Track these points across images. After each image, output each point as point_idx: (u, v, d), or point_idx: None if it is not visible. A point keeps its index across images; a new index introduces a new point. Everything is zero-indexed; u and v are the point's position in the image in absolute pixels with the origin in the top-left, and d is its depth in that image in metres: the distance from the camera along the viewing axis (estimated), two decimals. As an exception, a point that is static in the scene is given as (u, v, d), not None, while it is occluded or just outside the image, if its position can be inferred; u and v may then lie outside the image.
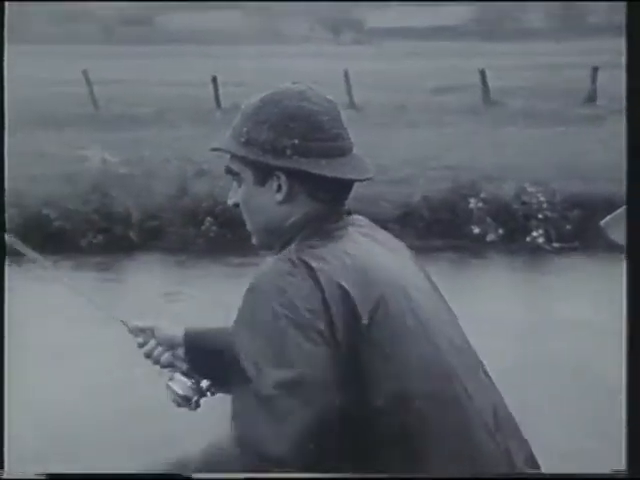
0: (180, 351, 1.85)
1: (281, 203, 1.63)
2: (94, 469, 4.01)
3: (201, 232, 8.92)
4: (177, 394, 1.82)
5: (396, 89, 18.41)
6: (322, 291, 1.49)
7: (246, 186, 1.66)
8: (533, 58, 24.89)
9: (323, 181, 1.62)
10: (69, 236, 9.06)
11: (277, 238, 1.66)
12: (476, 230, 8.93)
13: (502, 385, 1.70)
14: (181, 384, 1.82)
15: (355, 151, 1.68)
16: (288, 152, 1.61)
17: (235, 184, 1.69)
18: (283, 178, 1.62)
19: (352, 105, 16.19)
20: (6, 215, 1.34)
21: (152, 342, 1.87)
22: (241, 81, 16.09)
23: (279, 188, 1.63)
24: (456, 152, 10.94)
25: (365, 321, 1.50)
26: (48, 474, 1.34)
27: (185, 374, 1.83)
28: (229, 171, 1.69)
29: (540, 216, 8.86)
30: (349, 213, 1.71)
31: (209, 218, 9.03)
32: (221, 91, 16.07)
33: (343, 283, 1.51)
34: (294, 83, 1.68)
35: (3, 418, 1.35)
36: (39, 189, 9.63)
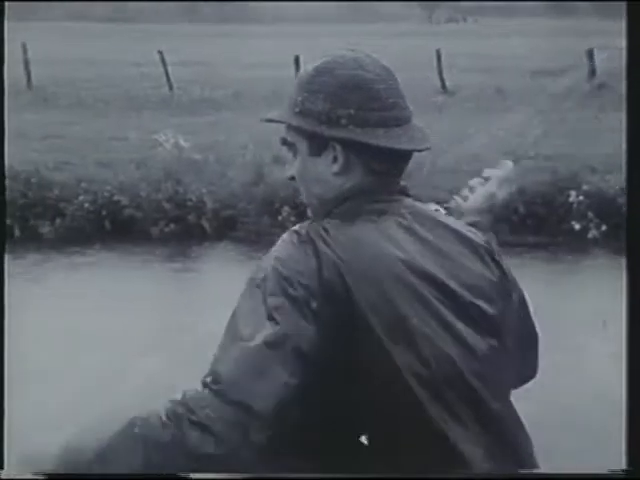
0: None
1: (337, 174, 1.68)
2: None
3: (277, 222, 8.92)
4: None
5: (493, 71, 18.19)
6: (320, 271, 1.55)
7: (302, 157, 1.70)
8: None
9: (379, 152, 1.66)
10: (140, 224, 9.20)
11: (331, 209, 1.70)
12: (577, 226, 8.79)
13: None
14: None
15: (414, 122, 1.71)
16: (343, 122, 1.65)
17: (291, 156, 1.73)
18: (339, 149, 1.66)
19: (444, 88, 16.07)
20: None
21: None
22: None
23: (335, 159, 1.67)
24: (556, 140, 10.75)
25: (360, 312, 1.56)
26: (48, 474, 1.34)
27: None
28: (284, 142, 1.73)
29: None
30: (404, 193, 1.73)
31: (286, 208, 9.04)
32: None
33: (340, 265, 1.57)
34: (350, 50, 1.71)
35: (3, 418, 1.35)
36: (111, 175, 9.79)
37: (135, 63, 20.24)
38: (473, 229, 1.80)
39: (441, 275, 1.66)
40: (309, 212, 1.76)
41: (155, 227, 9.17)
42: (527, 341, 1.86)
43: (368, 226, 1.65)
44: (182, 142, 10.56)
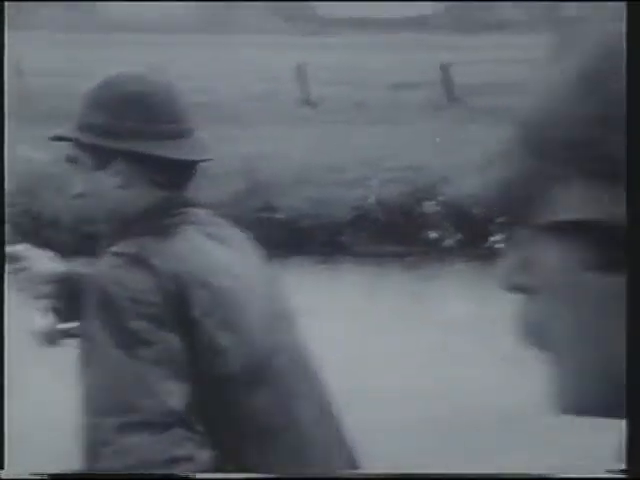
0: (54, 288, 1.94)
1: (122, 187, 1.74)
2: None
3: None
4: (37, 331, 1.92)
5: (355, 84, 18.55)
6: (160, 286, 1.64)
7: (86, 173, 1.76)
8: (507, 52, 25.05)
9: (160, 163, 1.73)
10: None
11: (118, 226, 1.77)
12: (433, 235, 9.15)
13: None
14: (44, 322, 1.93)
15: (197, 134, 1.79)
16: (124, 135, 1.71)
17: (76, 173, 1.79)
18: (122, 162, 1.73)
19: (307, 101, 16.26)
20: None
21: (28, 271, 1.93)
22: (189, 74, 16.11)
23: (118, 172, 1.74)
24: (415, 152, 11.12)
25: (195, 314, 1.66)
26: (47, 474, 1.43)
27: (54, 311, 1.93)
28: (68, 159, 1.79)
29: (500, 220, 9.04)
30: (192, 205, 1.80)
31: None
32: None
33: (178, 279, 1.65)
34: (133, 68, 1.82)
35: (3, 417, 1.49)
36: None
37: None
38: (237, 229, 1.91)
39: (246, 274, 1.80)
40: (99, 230, 1.85)
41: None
42: None
43: (179, 238, 1.72)
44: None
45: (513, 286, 0.67)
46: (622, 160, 0.60)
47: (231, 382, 1.70)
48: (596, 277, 0.63)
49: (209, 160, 1.80)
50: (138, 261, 1.66)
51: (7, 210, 1.73)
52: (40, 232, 9.27)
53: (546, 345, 0.66)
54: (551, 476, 1.75)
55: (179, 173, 1.78)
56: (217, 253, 1.76)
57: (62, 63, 22.64)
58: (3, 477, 1.63)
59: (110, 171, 1.74)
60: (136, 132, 1.72)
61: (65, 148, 1.80)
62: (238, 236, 1.87)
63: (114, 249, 1.70)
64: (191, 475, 1.57)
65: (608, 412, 0.66)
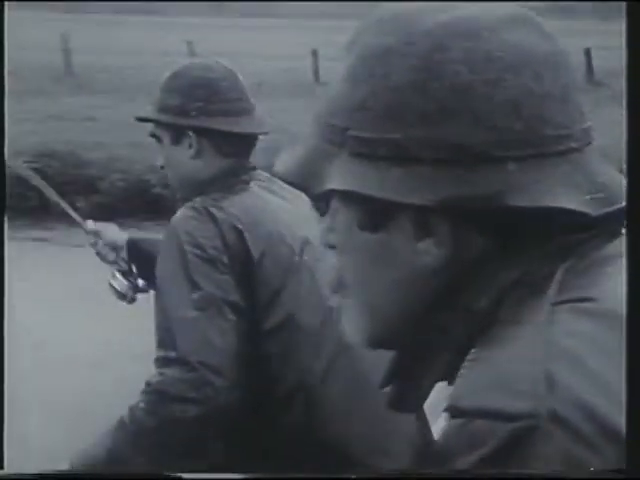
0: (123, 253, 2.16)
1: (193, 158, 1.90)
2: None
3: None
4: (115, 290, 2.17)
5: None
6: (221, 232, 1.75)
7: (165, 147, 1.93)
8: None
9: (226, 136, 1.90)
10: (166, 202, 9.19)
11: (192, 191, 1.90)
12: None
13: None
14: (119, 282, 2.16)
15: (256, 111, 1.95)
16: (194, 114, 1.88)
17: (159, 147, 1.95)
18: (193, 136, 1.89)
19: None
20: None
21: (100, 242, 2.17)
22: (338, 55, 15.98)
23: (190, 145, 1.90)
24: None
25: (256, 257, 1.75)
26: (48, 474, 1.33)
27: (124, 273, 2.16)
28: (152, 135, 1.96)
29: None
30: (254, 169, 1.95)
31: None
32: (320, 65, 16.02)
33: (239, 226, 1.77)
34: (203, 58, 1.99)
35: (3, 417, 1.31)
36: (141, 156, 9.78)
37: (165, 53, 20.19)
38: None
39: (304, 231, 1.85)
40: (176, 195, 1.98)
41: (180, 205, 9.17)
42: None
43: (244, 193, 1.86)
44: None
45: (326, 244, 0.81)
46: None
47: (275, 336, 1.74)
48: (366, 235, 0.76)
49: (266, 133, 1.96)
50: (203, 211, 1.79)
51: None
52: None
53: (345, 291, 0.80)
54: (551, 476, 1.57)
55: (242, 144, 1.93)
56: (276, 204, 1.87)
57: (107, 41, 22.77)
58: (3, 477, 1.50)
59: (184, 145, 1.90)
60: (204, 111, 1.87)
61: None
62: (296, 195, 1.93)
63: (187, 204, 1.84)
64: (191, 475, 1.52)
65: (377, 343, 0.81)
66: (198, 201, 1.84)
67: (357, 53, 0.78)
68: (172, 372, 1.68)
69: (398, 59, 0.74)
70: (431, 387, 0.79)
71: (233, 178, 1.90)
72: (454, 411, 0.69)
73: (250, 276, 1.76)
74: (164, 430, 1.69)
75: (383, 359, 1.76)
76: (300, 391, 1.73)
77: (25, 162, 9.71)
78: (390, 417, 1.69)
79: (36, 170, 11.08)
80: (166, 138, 1.92)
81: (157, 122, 1.92)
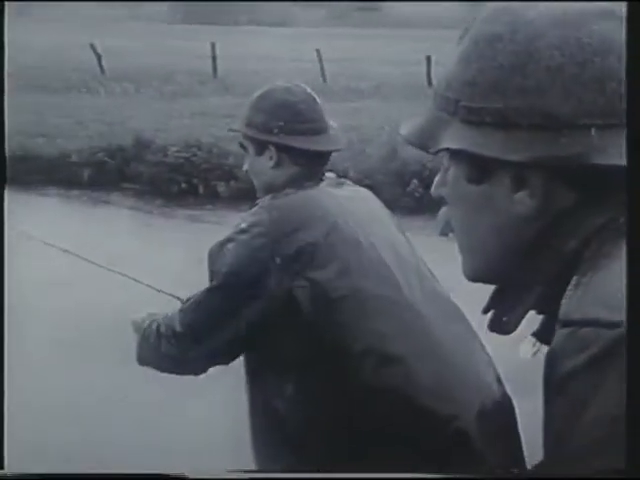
0: None
1: (273, 168, 1.93)
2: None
3: (407, 192, 8.87)
4: None
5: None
6: (280, 223, 1.77)
7: (250, 156, 1.97)
8: None
9: (301, 151, 1.92)
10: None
11: (269, 193, 1.93)
12: None
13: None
14: None
15: (332, 130, 1.96)
16: (275, 131, 1.91)
17: (245, 155, 2.00)
18: (273, 150, 1.93)
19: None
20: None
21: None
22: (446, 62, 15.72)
23: (271, 157, 1.93)
24: None
25: (321, 241, 1.75)
26: (48, 474, 1.30)
27: None
28: (241, 145, 2.01)
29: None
30: (323, 174, 1.97)
31: (415, 180, 8.97)
32: (433, 70, 15.85)
33: (299, 217, 1.78)
34: (285, 82, 2.00)
35: (3, 417, 1.29)
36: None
37: (295, 59, 20.32)
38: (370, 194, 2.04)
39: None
40: (258, 195, 1.99)
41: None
42: None
43: (310, 190, 1.88)
44: (331, 123, 10.56)
45: (438, 197, 0.88)
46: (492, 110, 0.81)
47: (344, 304, 1.75)
48: (472, 187, 0.83)
49: (339, 150, 1.98)
50: (266, 206, 1.83)
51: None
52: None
53: (453, 233, 0.87)
54: (551, 476, 1.46)
55: (317, 158, 1.95)
56: (341, 195, 1.89)
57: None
58: (3, 476, 1.51)
59: (266, 156, 1.94)
60: (285, 129, 1.91)
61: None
62: (363, 192, 2.02)
63: (258, 202, 1.90)
64: (191, 475, 1.44)
65: (479, 278, 0.88)
66: (267, 198, 1.89)
67: (470, 38, 0.86)
68: (172, 318, 1.91)
69: (503, 44, 0.82)
70: (524, 314, 0.86)
71: (304, 182, 1.92)
72: (565, 322, 0.75)
73: (317, 254, 1.76)
74: (155, 352, 1.92)
75: (452, 323, 1.78)
76: (372, 354, 1.70)
77: (176, 151, 10.01)
78: (458, 372, 1.71)
79: (184, 158, 11.28)
80: (251, 149, 1.97)
81: (244, 135, 1.98)
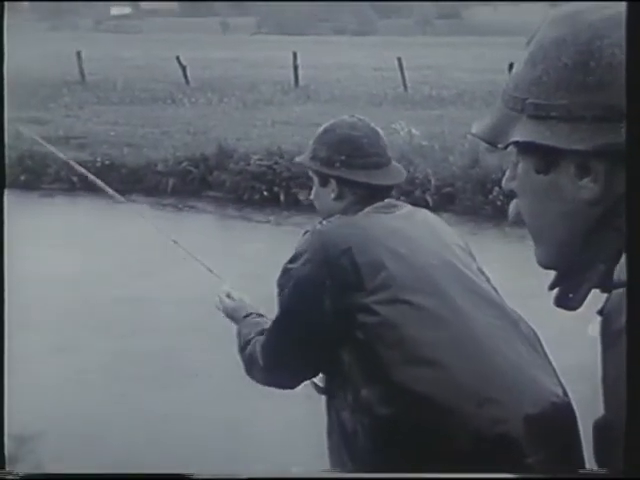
0: None
1: (334, 200, 1.98)
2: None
3: (489, 200, 8.73)
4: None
5: None
6: (325, 250, 1.81)
7: (315, 185, 2.03)
8: None
9: (362, 185, 1.95)
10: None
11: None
12: None
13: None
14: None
15: (393, 164, 1.99)
16: (337, 165, 1.96)
17: (312, 184, 2.06)
18: (334, 183, 1.97)
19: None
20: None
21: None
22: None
23: (332, 190, 1.98)
24: None
25: (365, 262, 1.78)
26: (47, 474, 1.26)
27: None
28: (308, 176, 2.08)
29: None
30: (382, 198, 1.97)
31: (497, 188, 8.82)
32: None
33: (344, 240, 1.81)
34: (350, 116, 2.04)
35: (3, 417, 1.26)
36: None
37: (377, 68, 20.30)
38: (445, 228, 2.02)
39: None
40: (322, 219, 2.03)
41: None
42: None
43: (359, 215, 1.92)
44: (414, 131, 10.52)
45: (508, 190, 0.94)
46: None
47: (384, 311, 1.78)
48: (540, 177, 0.90)
49: (398, 184, 2.01)
50: (312, 232, 1.87)
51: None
52: (413, 191, 9.10)
53: (523, 221, 0.94)
54: (551, 476, 1.63)
55: (377, 192, 1.97)
56: (386, 222, 1.89)
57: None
58: (3, 476, 1.48)
59: (328, 188, 1.99)
60: (346, 163, 1.95)
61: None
62: (417, 212, 2.01)
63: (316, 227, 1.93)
64: (191, 475, 1.49)
65: (547, 264, 0.94)
66: (319, 223, 1.95)
67: (536, 42, 0.92)
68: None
69: (567, 45, 0.88)
70: (588, 292, 0.91)
71: (361, 208, 1.96)
72: (617, 284, 0.82)
73: (362, 275, 1.79)
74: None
75: (504, 331, 1.76)
76: (420, 363, 1.72)
77: (257, 160, 10.09)
78: (500, 378, 1.70)
79: (267, 167, 11.37)
80: (316, 179, 2.02)
81: (309, 167, 2.03)
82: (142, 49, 26.84)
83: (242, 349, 2.05)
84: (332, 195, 1.98)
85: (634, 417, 0.69)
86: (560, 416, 1.71)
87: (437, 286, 1.79)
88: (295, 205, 9.38)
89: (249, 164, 9.91)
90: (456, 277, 1.83)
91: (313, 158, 2.01)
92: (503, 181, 0.97)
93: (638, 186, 0.82)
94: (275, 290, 1.91)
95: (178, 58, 17.75)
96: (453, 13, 47.48)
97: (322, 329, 1.81)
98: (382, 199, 1.96)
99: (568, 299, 0.92)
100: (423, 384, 1.70)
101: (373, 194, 1.96)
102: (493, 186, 8.83)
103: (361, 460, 1.78)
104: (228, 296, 2.26)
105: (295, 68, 17.69)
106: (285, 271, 1.87)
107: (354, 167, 1.95)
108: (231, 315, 2.22)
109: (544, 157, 0.89)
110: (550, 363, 1.81)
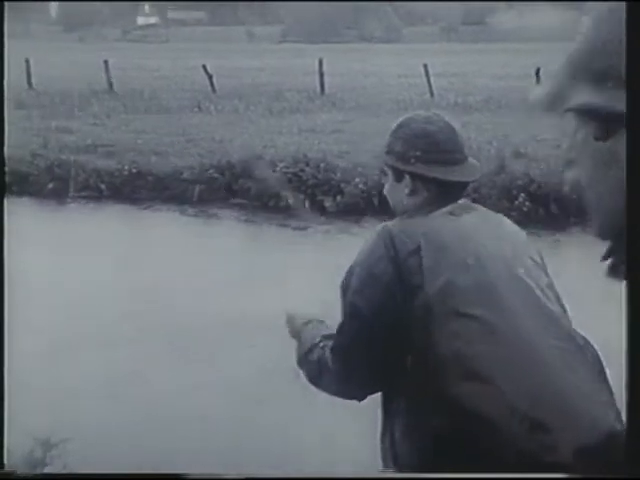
0: None
1: (409, 195, 1.93)
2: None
3: (514, 206, 8.69)
4: None
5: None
6: (394, 249, 1.77)
7: (389, 181, 1.98)
8: None
9: (437, 181, 1.90)
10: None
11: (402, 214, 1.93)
12: None
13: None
14: None
15: (470, 161, 1.94)
16: (412, 160, 1.90)
17: (385, 179, 2.00)
18: (409, 178, 1.92)
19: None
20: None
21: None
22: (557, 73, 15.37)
23: (407, 185, 1.93)
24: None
25: (431, 265, 1.74)
26: (47, 474, 1.25)
27: None
28: (382, 171, 2.03)
29: None
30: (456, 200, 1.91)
31: (522, 194, 8.78)
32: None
33: (413, 241, 1.77)
34: (426, 111, 2.00)
35: (3, 416, 1.25)
36: (379, 162, 9.87)
37: (402, 75, 20.30)
38: (515, 230, 1.96)
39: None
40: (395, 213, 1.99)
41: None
42: None
43: (428, 217, 1.86)
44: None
45: (567, 162, 0.95)
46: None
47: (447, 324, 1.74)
48: (599, 144, 0.90)
49: (474, 181, 1.96)
50: (380, 232, 1.82)
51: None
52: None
53: (580, 190, 0.94)
54: (551, 476, 1.59)
55: (452, 189, 1.92)
56: (456, 224, 1.85)
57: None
58: (3, 477, 1.45)
59: (402, 184, 1.94)
60: (422, 159, 1.90)
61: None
62: (492, 217, 1.97)
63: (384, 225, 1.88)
64: (191, 475, 1.43)
65: (604, 234, 0.93)
66: (389, 222, 1.88)
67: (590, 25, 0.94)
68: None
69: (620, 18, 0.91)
70: None
71: (434, 209, 1.89)
72: None
73: (426, 277, 1.76)
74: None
75: (565, 352, 1.71)
76: (468, 376, 1.68)
77: (284, 167, 10.14)
78: (554, 404, 1.64)
79: (292, 174, 11.34)
80: (390, 174, 1.96)
81: (385, 162, 1.99)
82: (169, 58, 27.03)
83: (306, 354, 1.98)
84: (406, 191, 1.92)
85: (634, 417, 0.68)
86: (614, 451, 1.59)
87: (501, 301, 1.74)
88: (321, 212, 9.41)
89: (275, 171, 9.96)
90: (523, 293, 1.77)
91: (388, 153, 1.95)
92: (562, 150, 0.99)
93: (638, 186, 0.82)
94: (338, 293, 1.86)
95: (204, 67, 17.87)
96: (478, 20, 47.30)
97: (389, 330, 1.76)
98: (457, 197, 1.91)
99: (621, 269, 0.92)
100: (474, 399, 1.66)
101: (448, 191, 1.90)
102: (519, 192, 8.80)
103: (403, 467, 1.75)
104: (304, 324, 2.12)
105: (321, 75, 17.75)
106: (351, 270, 1.83)
107: (429, 162, 1.89)
108: (291, 329, 2.13)
109: (603, 123, 0.90)
110: (612, 394, 1.71)
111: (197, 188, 10.30)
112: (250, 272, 7.09)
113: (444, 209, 1.87)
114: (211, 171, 10.38)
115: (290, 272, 6.72)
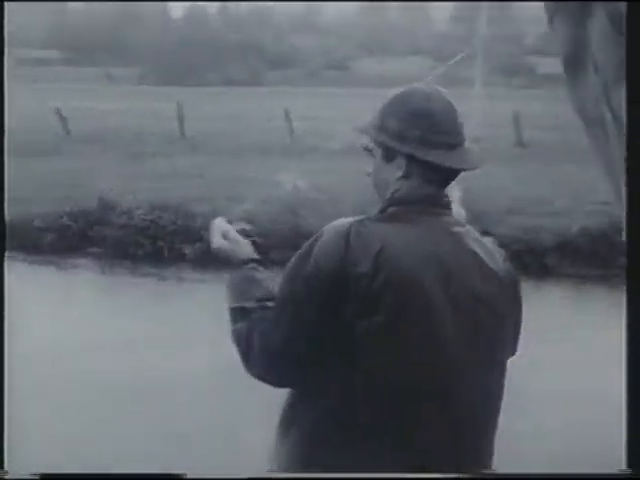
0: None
1: (400, 178, 1.78)
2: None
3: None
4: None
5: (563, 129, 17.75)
6: (348, 250, 1.67)
7: (377, 161, 1.81)
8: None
9: (433, 166, 1.75)
10: (262, 250, 9.18)
11: (384, 201, 1.80)
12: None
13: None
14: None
15: (467, 145, 1.79)
16: (409, 140, 1.75)
17: (370, 157, 1.84)
18: (403, 160, 1.76)
19: (520, 142, 15.70)
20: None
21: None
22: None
23: (400, 167, 1.77)
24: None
25: (373, 284, 1.65)
26: (45, 474, 1.24)
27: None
28: (365, 148, 1.84)
29: None
30: (447, 207, 1.80)
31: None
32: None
33: (379, 239, 1.67)
34: (425, 85, 1.81)
35: (3, 417, 1.22)
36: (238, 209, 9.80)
37: (265, 118, 20.41)
38: (496, 253, 1.84)
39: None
40: (375, 196, 1.85)
41: (275, 251, 9.13)
42: None
43: (407, 225, 1.74)
44: (299, 183, 10.52)
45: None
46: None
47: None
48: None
49: (474, 169, 1.80)
50: (355, 225, 1.70)
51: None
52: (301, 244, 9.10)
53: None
54: (551, 476, 1.62)
55: (446, 175, 1.79)
56: (432, 242, 1.74)
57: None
58: (3, 477, 1.43)
59: (394, 165, 1.78)
60: (420, 140, 1.75)
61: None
62: (470, 233, 1.82)
63: (346, 220, 1.74)
64: (191, 475, 1.41)
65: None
66: (357, 220, 1.74)
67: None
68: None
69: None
70: None
71: (421, 207, 1.77)
72: None
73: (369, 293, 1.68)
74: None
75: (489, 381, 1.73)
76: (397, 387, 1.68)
77: (141, 215, 9.87)
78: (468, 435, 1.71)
79: (150, 221, 11.10)
80: (378, 154, 1.80)
81: (374, 139, 1.80)
82: (24, 98, 26.17)
83: (237, 314, 1.83)
84: (398, 173, 1.77)
85: (634, 417, 0.66)
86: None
87: (437, 325, 1.69)
88: (180, 260, 9.21)
89: (132, 218, 9.69)
90: (470, 322, 1.71)
91: (381, 129, 1.78)
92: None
93: (638, 186, 0.82)
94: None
95: (58, 110, 17.36)
96: (341, 64, 48.58)
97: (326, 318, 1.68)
98: (448, 183, 1.79)
99: None
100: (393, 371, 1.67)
101: (442, 177, 1.77)
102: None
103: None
104: (225, 237, 1.99)
105: (180, 119, 17.59)
106: (302, 257, 1.74)
107: (428, 145, 1.74)
108: (225, 256, 1.98)
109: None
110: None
111: (48, 236, 9.90)
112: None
113: (427, 210, 1.77)
114: (65, 218, 10.01)
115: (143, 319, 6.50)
